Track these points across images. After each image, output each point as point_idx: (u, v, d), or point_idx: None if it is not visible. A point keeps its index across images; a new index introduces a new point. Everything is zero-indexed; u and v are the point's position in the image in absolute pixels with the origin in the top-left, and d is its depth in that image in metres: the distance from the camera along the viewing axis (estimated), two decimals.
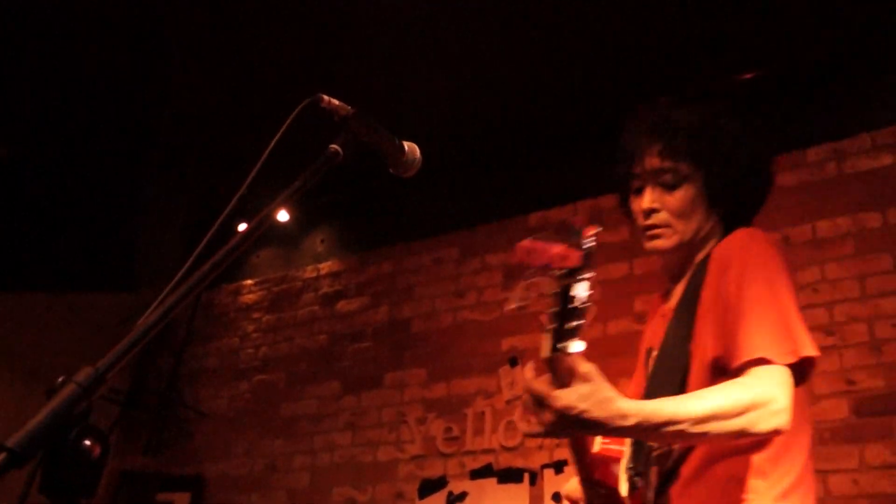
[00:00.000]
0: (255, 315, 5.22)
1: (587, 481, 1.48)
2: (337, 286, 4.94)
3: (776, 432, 1.20)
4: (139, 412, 4.81)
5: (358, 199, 4.86)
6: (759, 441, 1.26)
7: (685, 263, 1.59)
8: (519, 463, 3.72)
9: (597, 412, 1.13)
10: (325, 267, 5.07)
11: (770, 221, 3.61)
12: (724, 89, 3.71)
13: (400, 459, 4.09)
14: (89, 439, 0.70)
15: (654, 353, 1.56)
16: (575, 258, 1.14)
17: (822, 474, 3.06)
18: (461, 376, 4.11)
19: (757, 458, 1.29)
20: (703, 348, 1.38)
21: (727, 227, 1.56)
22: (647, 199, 1.55)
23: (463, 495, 3.78)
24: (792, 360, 1.24)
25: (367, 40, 3.57)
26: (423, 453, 4.02)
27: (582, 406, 1.12)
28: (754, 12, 3.34)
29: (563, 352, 1.10)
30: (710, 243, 1.56)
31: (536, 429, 1.16)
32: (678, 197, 1.54)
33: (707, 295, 1.43)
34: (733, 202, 1.57)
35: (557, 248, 1.17)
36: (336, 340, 4.74)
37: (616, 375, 3.77)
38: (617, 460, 1.48)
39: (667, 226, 1.54)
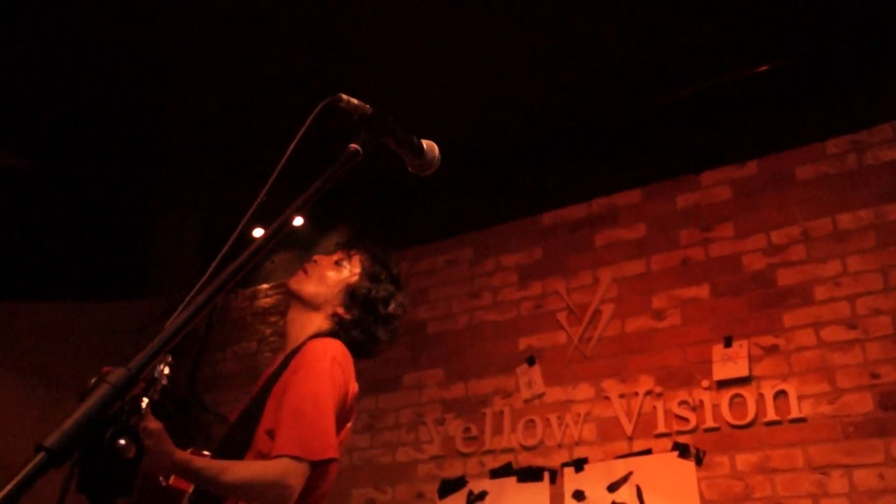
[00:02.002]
0: (272, 319, 5.24)
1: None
2: None
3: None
4: (160, 417, 4.83)
5: (371, 202, 4.87)
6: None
7: (290, 341, 1.87)
8: (539, 462, 3.71)
9: (156, 462, 1.47)
10: None
11: (790, 215, 3.62)
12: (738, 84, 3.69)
13: (419, 460, 4.09)
14: (124, 439, 0.70)
15: (246, 400, 1.84)
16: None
17: (847, 469, 3.03)
18: (479, 376, 4.11)
19: None
20: (265, 420, 1.70)
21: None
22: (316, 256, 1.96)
23: (483, 494, 3.77)
24: (313, 458, 1.58)
25: (381, 42, 3.57)
26: (443, 453, 4.02)
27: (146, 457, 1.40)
28: (772, 4, 3.32)
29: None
30: (312, 333, 1.85)
31: None
32: (335, 270, 1.91)
33: (281, 382, 1.72)
34: (346, 311, 1.88)
35: None
36: None
37: (636, 373, 3.75)
38: (183, 493, 1.75)
39: (308, 277, 1.89)
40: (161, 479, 1.68)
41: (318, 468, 1.62)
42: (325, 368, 1.68)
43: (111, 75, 3.86)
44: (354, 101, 1.21)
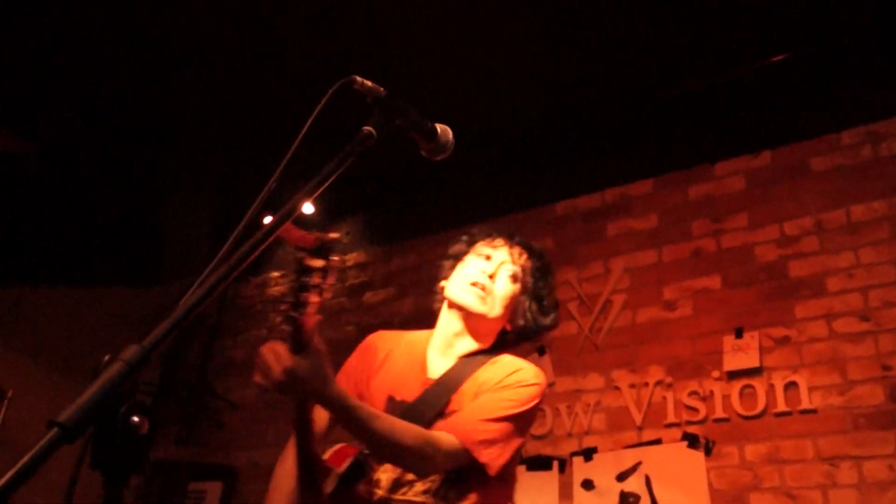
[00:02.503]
0: (283, 307, 5.24)
1: (305, 467, 1.62)
2: (363, 277, 4.95)
3: (425, 475, 1.57)
4: (171, 404, 4.87)
5: (382, 190, 4.87)
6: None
7: (459, 343, 1.79)
8: (548, 451, 3.71)
9: (313, 382, 1.32)
10: (351, 259, 5.08)
11: (803, 206, 3.59)
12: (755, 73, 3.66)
13: None
14: (137, 416, 0.70)
15: (403, 406, 1.71)
16: (310, 241, 1.28)
17: (856, 460, 3.02)
18: None
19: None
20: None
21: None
22: (494, 267, 1.80)
23: None
24: (471, 449, 1.55)
25: (394, 29, 3.56)
26: None
27: (303, 373, 1.30)
28: None
29: (295, 319, 1.28)
30: (482, 344, 1.80)
31: (265, 384, 1.30)
32: (510, 286, 1.79)
33: (470, 387, 1.69)
34: (516, 332, 1.83)
35: (302, 234, 1.32)
36: (363, 331, 4.69)
37: (646, 363, 3.73)
38: (331, 471, 1.68)
39: (489, 295, 1.76)
40: (314, 448, 1.58)
41: (494, 478, 1.59)
42: (528, 398, 1.66)
43: (122, 59, 3.87)
44: (368, 83, 1.21)
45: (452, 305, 1.79)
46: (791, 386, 3.25)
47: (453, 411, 1.65)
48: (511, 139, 4.28)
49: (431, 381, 1.73)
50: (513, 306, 1.80)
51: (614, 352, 3.75)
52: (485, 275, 1.77)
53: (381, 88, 1.22)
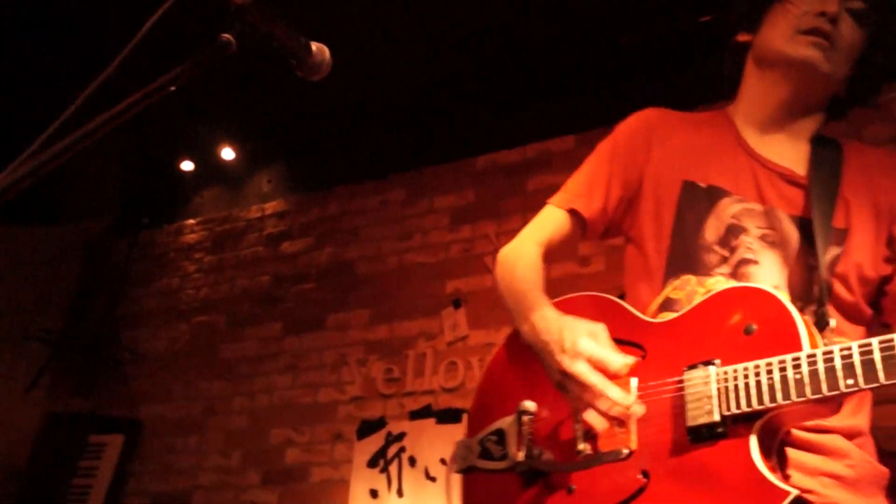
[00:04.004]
0: (197, 255, 5.08)
1: None
2: (282, 227, 4.82)
3: None
4: (72, 353, 4.66)
5: (305, 139, 4.72)
6: None
7: (794, 118, 1.38)
8: (458, 404, 3.70)
9: None
10: (270, 207, 4.94)
11: None
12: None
13: (340, 401, 4.05)
14: None
15: (770, 211, 1.32)
16: None
17: None
18: (404, 318, 4.06)
19: None
20: (858, 258, 1.27)
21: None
22: (835, 5, 1.30)
23: (401, 436, 3.75)
24: None
25: None
26: (363, 395, 3.98)
27: None
28: None
29: None
30: (819, 118, 1.40)
31: None
32: (856, 32, 1.32)
33: (857, 193, 1.30)
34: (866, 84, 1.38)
35: None
36: (279, 282, 4.64)
37: None
38: None
39: (833, 49, 1.30)
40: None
41: None
42: None
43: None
44: None
45: (776, 64, 1.35)
46: None
47: (844, 230, 1.28)
48: (432, 91, 4.18)
49: (762, 163, 1.36)
50: (853, 61, 1.34)
51: None
52: (824, 18, 1.29)
53: None
